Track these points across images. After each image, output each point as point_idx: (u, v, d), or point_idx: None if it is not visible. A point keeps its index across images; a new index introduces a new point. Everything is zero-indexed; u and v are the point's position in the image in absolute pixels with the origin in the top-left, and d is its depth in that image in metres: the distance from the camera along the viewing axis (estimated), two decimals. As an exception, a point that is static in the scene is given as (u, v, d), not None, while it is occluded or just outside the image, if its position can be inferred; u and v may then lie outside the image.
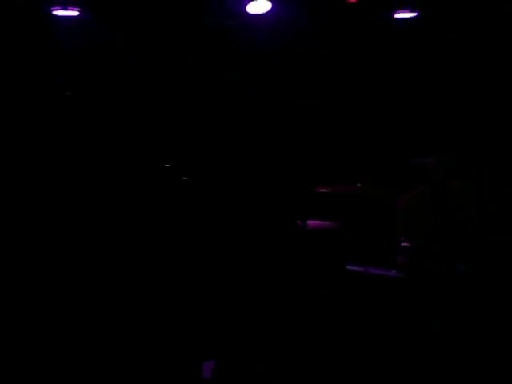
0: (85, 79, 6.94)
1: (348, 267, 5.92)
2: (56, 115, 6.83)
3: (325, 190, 6.15)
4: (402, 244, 5.71)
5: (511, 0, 6.49)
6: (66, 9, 6.54)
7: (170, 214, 6.54)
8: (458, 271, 5.58)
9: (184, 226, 6.42)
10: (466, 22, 6.69)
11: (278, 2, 6.42)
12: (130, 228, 6.42)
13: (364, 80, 7.02)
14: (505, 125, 6.66)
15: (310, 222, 6.24)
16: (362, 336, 5.41)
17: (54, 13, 6.53)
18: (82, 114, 6.88)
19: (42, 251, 6.19)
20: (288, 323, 5.62)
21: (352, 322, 5.56)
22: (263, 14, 6.51)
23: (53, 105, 6.85)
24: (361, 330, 5.48)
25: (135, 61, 6.98)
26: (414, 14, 6.61)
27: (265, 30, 6.80)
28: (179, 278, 6.07)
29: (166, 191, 6.70)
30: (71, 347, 5.24)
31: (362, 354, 5.27)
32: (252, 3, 6.35)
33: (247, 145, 6.70)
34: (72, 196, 6.58)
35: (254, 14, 6.46)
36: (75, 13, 6.57)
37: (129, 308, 5.73)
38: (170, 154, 6.87)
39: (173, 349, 5.35)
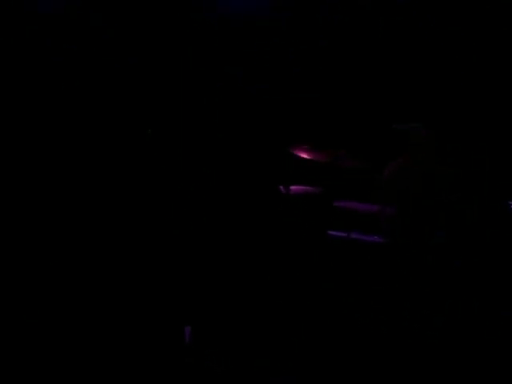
0: (74, 74, 6.86)
1: (330, 232, 5.90)
2: (48, 114, 6.77)
3: (307, 157, 6.11)
4: (387, 210, 5.73)
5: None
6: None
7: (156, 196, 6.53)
8: (438, 238, 5.62)
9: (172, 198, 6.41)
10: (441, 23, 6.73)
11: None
12: (127, 223, 6.40)
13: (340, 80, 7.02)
14: (490, 102, 6.71)
15: (293, 188, 6.23)
16: (347, 306, 5.42)
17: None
18: (73, 108, 6.83)
19: (42, 251, 6.13)
20: (270, 294, 5.62)
21: (337, 289, 5.57)
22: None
23: (44, 104, 6.78)
24: (346, 299, 5.49)
25: (128, 57, 6.90)
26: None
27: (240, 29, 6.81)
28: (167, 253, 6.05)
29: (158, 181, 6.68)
30: (66, 340, 5.21)
31: (345, 322, 5.29)
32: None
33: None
34: (70, 194, 6.54)
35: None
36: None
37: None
38: (166, 148, 6.82)
39: (154, 313, 5.33)
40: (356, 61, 6.96)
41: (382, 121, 6.70)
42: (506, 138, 6.56)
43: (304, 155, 6.09)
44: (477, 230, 5.66)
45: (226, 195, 6.20)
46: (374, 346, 5.06)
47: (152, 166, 6.65)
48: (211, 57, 6.96)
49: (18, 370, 4.83)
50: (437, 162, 5.90)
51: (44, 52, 6.73)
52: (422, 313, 5.30)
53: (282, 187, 6.20)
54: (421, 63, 6.81)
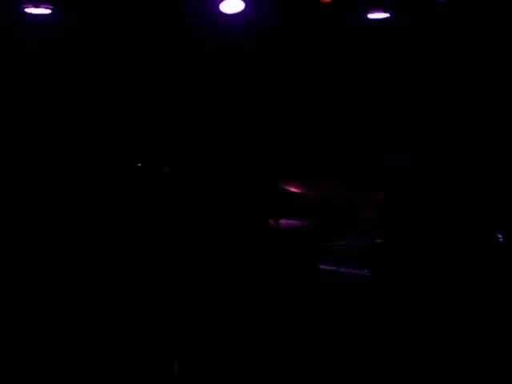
0: (62, 77, 6.90)
1: (320, 266, 5.90)
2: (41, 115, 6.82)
3: (297, 190, 6.14)
4: (376, 241, 5.74)
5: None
6: (37, 6, 6.46)
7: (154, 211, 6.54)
8: (430, 265, 5.63)
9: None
10: (439, 23, 6.73)
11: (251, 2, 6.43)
12: (124, 223, 6.41)
13: (340, 80, 7.03)
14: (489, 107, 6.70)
15: (283, 222, 6.23)
16: (337, 336, 5.42)
17: (26, 10, 6.45)
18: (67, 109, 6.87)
19: (42, 251, 6.15)
20: (260, 325, 5.61)
21: (326, 321, 5.57)
22: (237, 14, 6.51)
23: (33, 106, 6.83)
24: (335, 329, 5.49)
25: (128, 57, 6.95)
26: (387, 15, 6.65)
27: (240, 29, 6.81)
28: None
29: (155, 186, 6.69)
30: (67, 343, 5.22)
31: (333, 353, 5.28)
32: (225, 2, 6.32)
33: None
34: (69, 194, 6.56)
35: (227, 13, 6.46)
36: (47, 11, 6.51)
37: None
38: (162, 152, 6.85)
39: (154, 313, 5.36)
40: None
41: (372, 152, 6.72)
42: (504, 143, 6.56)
43: (293, 189, 6.12)
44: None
45: (216, 228, 6.22)
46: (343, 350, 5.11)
47: (148, 171, 6.69)
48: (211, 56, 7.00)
49: (17, 369, 4.85)
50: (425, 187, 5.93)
51: (44, 52, 6.79)
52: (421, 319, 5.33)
53: (271, 221, 6.22)
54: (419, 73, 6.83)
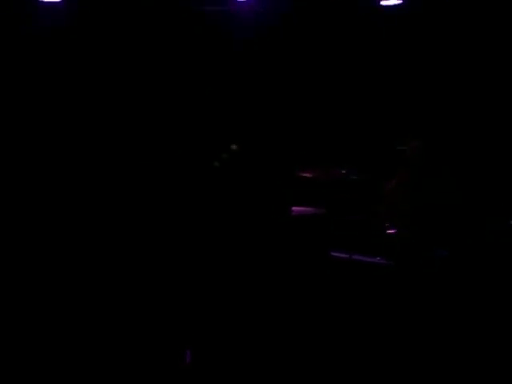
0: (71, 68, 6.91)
1: (333, 254, 5.92)
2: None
3: (309, 176, 6.13)
4: (388, 231, 5.74)
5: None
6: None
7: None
8: (439, 255, 5.64)
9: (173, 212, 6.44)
10: (450, 10, 6.73)
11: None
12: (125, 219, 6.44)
13: (352, 67, 7.03)
14: (485, 113, 6.72)
15: (295, 209, 6.24)
16: (349, 324, 5.44)
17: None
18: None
19: (42, 251, 6.18)
20: (273, 312, 5.64)
21: (338, 310, 5.59)
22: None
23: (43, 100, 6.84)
24: (347, 317, 5.51)
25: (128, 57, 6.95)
26: (400, 2, 6.66)
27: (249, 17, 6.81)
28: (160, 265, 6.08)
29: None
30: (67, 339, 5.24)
31: (346, 340, 5.31)
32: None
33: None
34: (70, 194, 6.59)
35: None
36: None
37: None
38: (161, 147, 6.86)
39: (157, 335, 5.36)
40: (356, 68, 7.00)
41: (384, 139, 6.74)
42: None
43: (306, 174, 6.12)
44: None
45: (229, 216, 6.23)
46: (357, 339, 5.14)
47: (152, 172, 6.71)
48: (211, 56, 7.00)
49: (17, 369, 4.87)
50: (434, 174, 5.94)
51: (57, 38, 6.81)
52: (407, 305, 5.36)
53: (284, 208, 6.23)
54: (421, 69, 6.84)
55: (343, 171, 6.11)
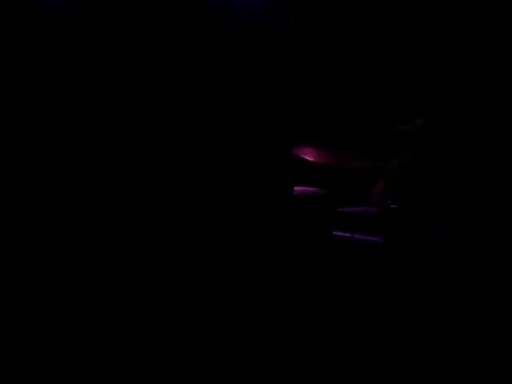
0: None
1: (334, 233, 5.91)
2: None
3: (311, 158, 6.12)
4: (390, 206, 5.73)
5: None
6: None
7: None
8: (440, 235, 5.63)
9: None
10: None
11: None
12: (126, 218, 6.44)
13: (352, 48, 7.01)
14: (492, 97, 6.69)
15: (296, 188, 6.23)
16: (350, 305, 5.44)
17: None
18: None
19: (42, 250, 6.17)
20: (275, 294, 5.63)
21: (340, 288, 5.59)
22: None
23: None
24: (348, 295, 5.51)
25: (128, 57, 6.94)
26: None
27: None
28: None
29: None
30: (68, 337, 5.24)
31: (348, 323, 5.31)
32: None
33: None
34: (70, 193, 6.58)
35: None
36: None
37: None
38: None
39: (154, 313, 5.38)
40: (358, 58, 6.96)
41: (385, 120, 6.70)
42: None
43: (307, 156, 6.11)
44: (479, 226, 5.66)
45: (229, 196, 6.22)
46: (374, 346, 5.08)
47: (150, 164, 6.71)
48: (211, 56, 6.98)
49: (17, 369, 4.88)
50: (438, 153, 5.92)
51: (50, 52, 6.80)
52: (422, 312, 5.33)
53: (285, 188, 6.22)
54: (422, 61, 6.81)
55: (345, 151, 6.09)
